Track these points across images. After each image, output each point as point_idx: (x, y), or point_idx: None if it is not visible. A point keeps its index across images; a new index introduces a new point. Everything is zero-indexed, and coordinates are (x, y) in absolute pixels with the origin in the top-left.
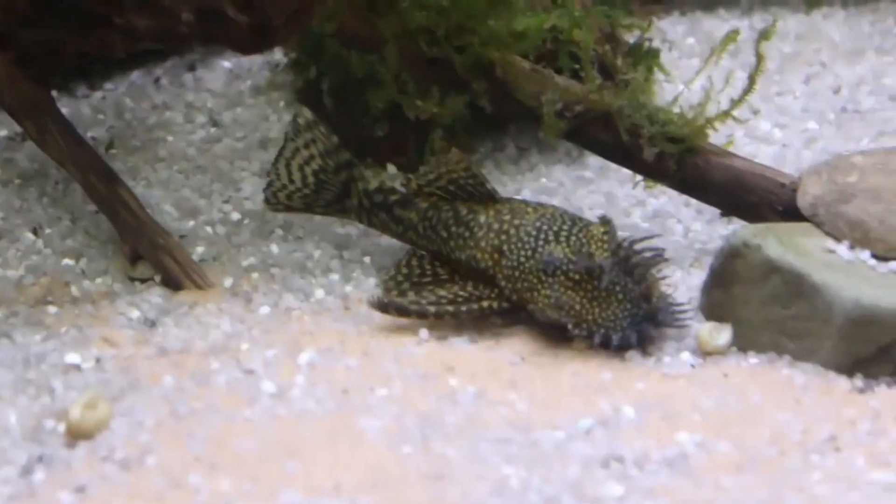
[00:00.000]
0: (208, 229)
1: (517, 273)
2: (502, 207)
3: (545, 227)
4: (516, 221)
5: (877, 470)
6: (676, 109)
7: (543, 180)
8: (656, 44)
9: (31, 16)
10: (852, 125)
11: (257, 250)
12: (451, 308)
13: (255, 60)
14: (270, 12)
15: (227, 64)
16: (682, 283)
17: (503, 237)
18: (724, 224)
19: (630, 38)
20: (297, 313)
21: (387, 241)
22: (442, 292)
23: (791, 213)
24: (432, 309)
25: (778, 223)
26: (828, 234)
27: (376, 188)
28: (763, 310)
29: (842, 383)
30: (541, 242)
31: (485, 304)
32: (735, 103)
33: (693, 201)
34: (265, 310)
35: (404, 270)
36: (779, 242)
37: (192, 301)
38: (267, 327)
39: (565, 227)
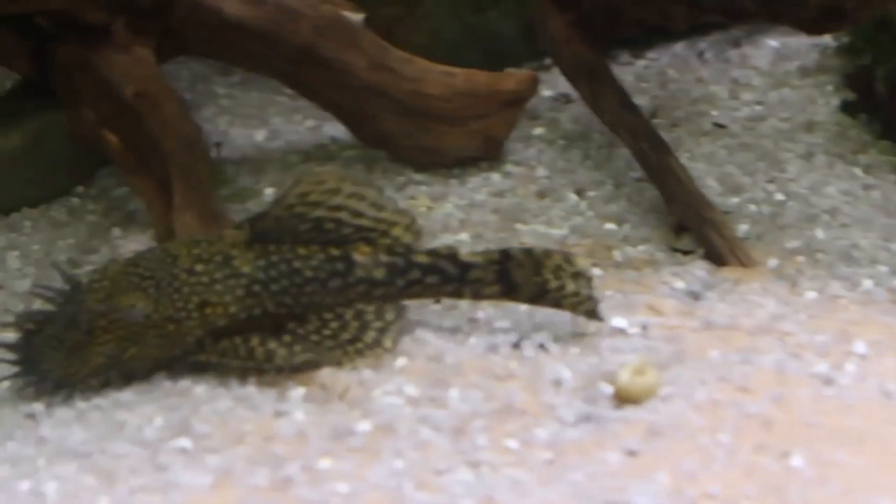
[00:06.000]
0: (752, 208)
1: None
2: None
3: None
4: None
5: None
6: None
7: None
8: None
9: None
10: None
11: (801, 234)
12: None
13: (803, 42)
14: None
15: (773, 43)
16: None
17: None
18: None
19: None
20: (844, 302)
21: None
22: None
23: None
24: None
25: None
26: None
27: None
28: None
29: None
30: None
31: None
32: None
33: None
34: (811, 295)
35: None
36: None
37: (737, 278)
38: (813, 313)
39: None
